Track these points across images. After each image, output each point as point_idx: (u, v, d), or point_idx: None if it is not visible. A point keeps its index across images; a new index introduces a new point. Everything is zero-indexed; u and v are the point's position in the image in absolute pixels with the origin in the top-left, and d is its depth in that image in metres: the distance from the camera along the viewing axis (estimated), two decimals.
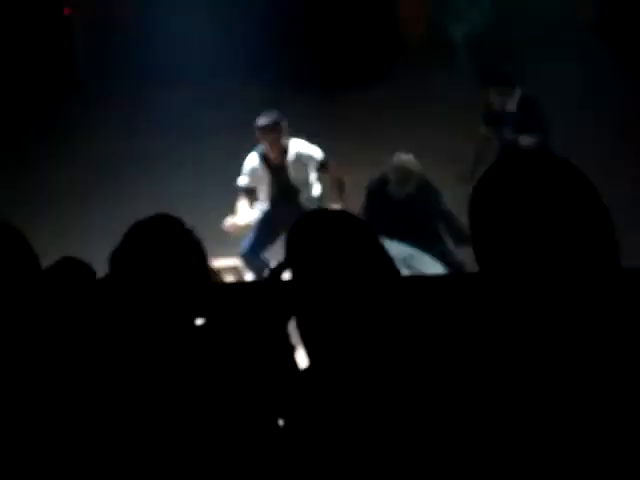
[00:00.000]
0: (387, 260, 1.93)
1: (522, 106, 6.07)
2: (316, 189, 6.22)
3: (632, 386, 1.43)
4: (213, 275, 4.08)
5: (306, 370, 1.92)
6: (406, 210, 5.56)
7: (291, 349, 2.08)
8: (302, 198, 6.13)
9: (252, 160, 6.15)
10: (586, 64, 7.72)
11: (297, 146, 6.09)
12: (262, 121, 5.92)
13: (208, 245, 2.21)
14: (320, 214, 2.07)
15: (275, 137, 5.94)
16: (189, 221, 2.22)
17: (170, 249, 2.12)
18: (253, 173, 6.16)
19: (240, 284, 2.71)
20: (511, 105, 6.10)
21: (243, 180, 6.19)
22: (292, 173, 6.09)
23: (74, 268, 2.31)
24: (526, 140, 5.92)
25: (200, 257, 2.17)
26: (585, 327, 1.47)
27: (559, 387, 1.46)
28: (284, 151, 6.07)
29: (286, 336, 2.08)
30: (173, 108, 8.76)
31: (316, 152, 6.13)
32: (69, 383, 2.08)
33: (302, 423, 1.84)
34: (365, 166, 6.35)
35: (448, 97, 8.09)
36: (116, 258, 2.14)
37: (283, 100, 6.95)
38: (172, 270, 2.10)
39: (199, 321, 2.20)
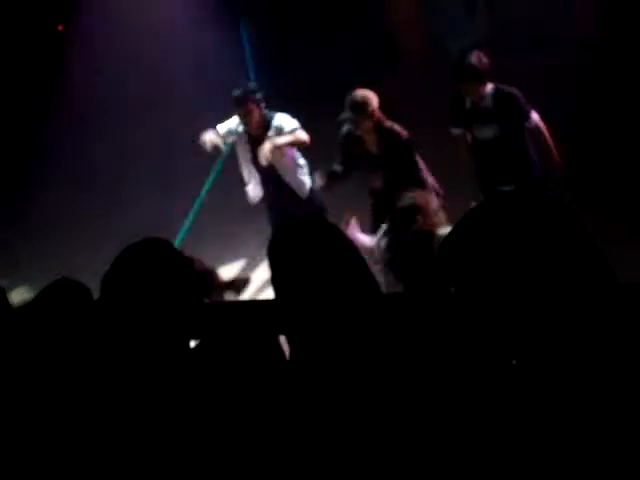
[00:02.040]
0: (364, 268, 1.97)
1: (498, 99, 5.62)
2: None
3: (622, 407, 1.44)
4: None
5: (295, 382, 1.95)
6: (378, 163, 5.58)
7: (285, 365, 2.09)
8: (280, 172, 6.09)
9: (235, 121, 6.12)
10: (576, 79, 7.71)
11: (280, 120, 6.00)
12: (234, 93, 5.90)
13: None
14: (297, 226, 2.09)
15: (246, 110, 5.89)
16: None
17: (161, 271, 2.14)
18: (230, 131, 6.13)
19: (232, 303, 2.73)
20: (485, 100, 5.63)
21: (221, 128, 6.14)
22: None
23: (70, 289, 2.33)
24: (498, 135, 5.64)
25: (192, 279, 2.20)
26: (577, 344, 1.47)
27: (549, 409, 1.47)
28: (265, 124, 5.99)
29: (280, 352, 2.10)
30: (163, 127, 8.76)
31: (294, 124, 5.99)
32: (65, 403, 2.09)
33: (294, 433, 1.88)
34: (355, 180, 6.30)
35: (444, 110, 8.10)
36: (108, 281, 2.16)
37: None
38: (164, 292, 2.12)
39: (193, 343, 2.21)
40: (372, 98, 5.54)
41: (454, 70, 5.76)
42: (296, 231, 2.05)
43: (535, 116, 5.64)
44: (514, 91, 5.65)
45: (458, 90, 5.75)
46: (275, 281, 2.02)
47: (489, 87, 5.64)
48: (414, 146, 5.65)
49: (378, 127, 5.59)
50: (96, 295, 2.25)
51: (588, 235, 1.53)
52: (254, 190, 6.28)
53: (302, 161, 6.20)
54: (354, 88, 5.60)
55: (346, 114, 5.57)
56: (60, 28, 10.05)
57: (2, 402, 2.10)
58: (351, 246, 2.03)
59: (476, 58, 5.55)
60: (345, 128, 5.78)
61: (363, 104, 5.49)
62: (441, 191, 5.65)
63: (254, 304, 2.19)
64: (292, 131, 5.96)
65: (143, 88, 8.94)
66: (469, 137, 5.89)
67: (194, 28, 8.69)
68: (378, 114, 5.56)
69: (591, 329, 1.47)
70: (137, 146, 8.62)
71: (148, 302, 2.10)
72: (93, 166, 8.60)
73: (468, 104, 5.76)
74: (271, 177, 6.12)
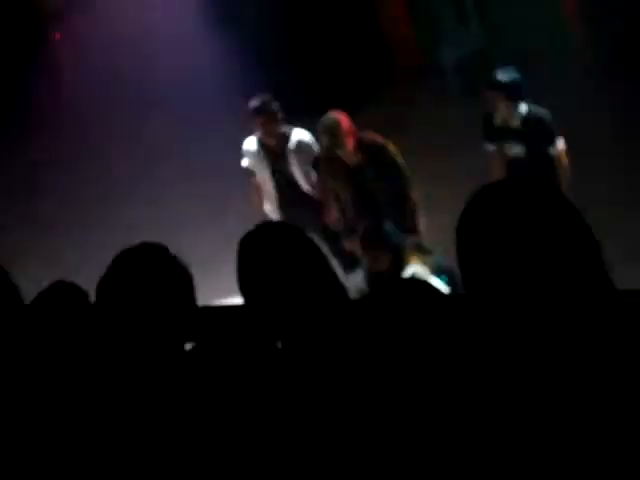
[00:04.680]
0: (332, 276, 2.02)
1: (528, 121, 5.56)
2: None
3: (620, 407, 1.44)
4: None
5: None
6: (358, 176, 5.51)
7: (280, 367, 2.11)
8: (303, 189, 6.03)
9: (249, 143, 6.08)
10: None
11: (299, 135, 5.95)
12: (250, 104, 5.84)
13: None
14: (264, 233, 2.13)
15: (264, 120, 5.83)
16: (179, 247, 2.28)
17: (156, 276, 2.16)
18: (250, 155, 6.08)
19: (226, 307, 2.75)
20: (515, 119, 5.59)
21: (244, 162, 6.14)
22: (293, 163, 5.96)
23: (67, 292, 2.35)
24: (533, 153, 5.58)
25: (186, 282, 2.21)
26: (575, 349, 1.48)
27: (545, 408, 1.47)
28: (283, 138, 5.94)
29: (276, 355, 2.12)
30: (152, 132, 8.79)
31: (315, 145, 5.95)
32: (61, 406, 2.12)
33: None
34: None
35: (438, 121, 8.12)
36: (103, 286, 2.17)
37: None
38: (159, 296, 2.14)
39: (188, 346, 2.23)
40: (343, 118, 5.49)
41: (457, 82, 5.72)
42: (263, 237, 2.10)
43: (561, 144, 5.61)
44: (545, 114, 5.61)
45: (488, 106, 5.73)
46: (242, 287, 2.07)
47: (522, 106, 5.60)
48: (399, 156, 5.63)
49: (359, 141, 5.55)
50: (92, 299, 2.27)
51: (587, 227, 1.54)
52: (272, 209, 6.22)
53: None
54: (332, 109, 5.58)
55: (323, 142, 5.56)
56: (57, 37, 10.08)
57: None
58: (318, 252, 2.08)
59: (509, 75, 5.52)
60: (321, 153, 5.77)
61: (336, 125, 5.44)
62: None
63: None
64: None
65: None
66: (501, 153, 5.80)
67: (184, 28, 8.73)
68: (353, 131, 5.52)
69: (586, 324, 1.49)
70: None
71: (143, 306, 2.12)
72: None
73: (498, 121, 5.71)
74: (293, 190, 6.09)
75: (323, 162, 5.78)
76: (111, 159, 8.75)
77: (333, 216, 5.88)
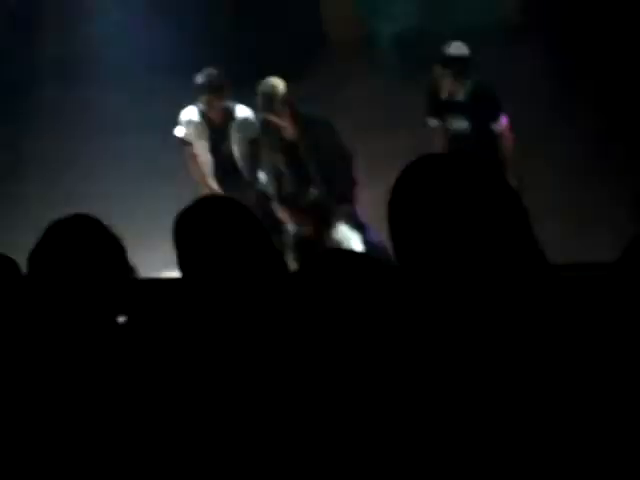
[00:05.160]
0: (274, 252, 2.03)
1: (475, 94, 5.56)
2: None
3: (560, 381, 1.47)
4: None
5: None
6: (294, 148, 5.47)
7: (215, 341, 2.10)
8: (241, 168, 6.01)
9: (190, 113, 5.99)
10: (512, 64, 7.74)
11: (243, 112, 5.89)
12: (198, 79, 5.74)
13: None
14: (204, 206, 2.12)
15: (210, 95, 5.74)
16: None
17: (89, 247, 2.14)
18: (189, 126, 6.00)
19: (160, 280, 2.74)
20: (462, 94, 5.58)
21: (179, 131, 6.05)
22: (235, 140, 5.94)
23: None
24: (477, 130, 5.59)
25: (119, 254, 2.20)
26: (508, 322, 1.49)
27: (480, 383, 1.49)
28: (226, 113, 5.89)
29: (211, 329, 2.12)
30: (94, 107, 8.63)
31: (257, 123, 5.86)
32: None
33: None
34: None
35: (373, 97, 8.14)
36: (34, 258, 2.15)
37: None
38: (91, 268, 2.12)
39: (121, 318, 2.22)
40: (280, 85, 5.43)
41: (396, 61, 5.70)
42: (202, 210, 2.09)
43: (504, 121, 5.64)
44: (492, 89, 5.63)
45: (433, 80, 5.71)
46: (180, 261, 2.07)
47: (469, 80, 5.60)
48: (335, 130, 5.61)
49: (295, 114, 5.50)
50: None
51: (516, 197, 1.56)
52: (211, 180, 6.18)
53: None
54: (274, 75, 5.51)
55: (259, 107, 5.50)
56: None
57: None
58: (258, 224, 2.08)
59: (456, 49, 5.52)
60: (258, 123, 5.72)
61: (273, 92, 5.39)
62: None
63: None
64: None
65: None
66: (444, 129, 5.80)
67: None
68: (291, 100, 5.47)
69: (517, 297, 1.50)
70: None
71: (76, 278, 2.10)
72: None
73: (444, 95, 5.70)
74: (230, 169, 6.04)
75: (260, 132, 5.75)
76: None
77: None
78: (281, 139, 5.61)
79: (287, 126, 5.50)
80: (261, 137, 5.78)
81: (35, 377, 2.07)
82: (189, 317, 2.11)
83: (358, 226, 5.60)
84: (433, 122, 5.89)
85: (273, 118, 5.47)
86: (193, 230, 2.07)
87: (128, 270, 2.22)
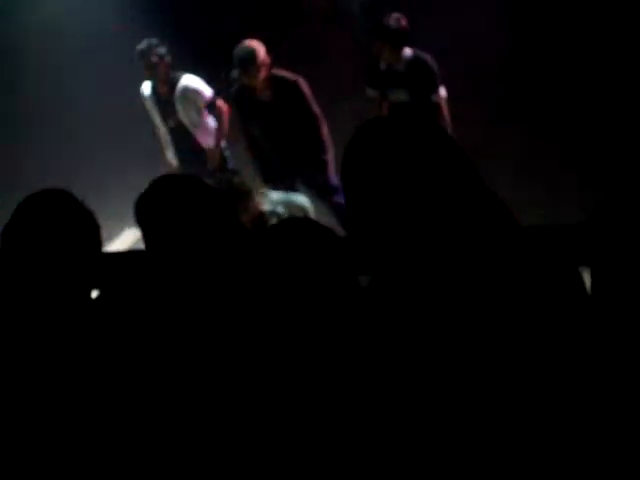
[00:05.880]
0: (235, 222, 2.05)
1: (412, 65, 5.63)
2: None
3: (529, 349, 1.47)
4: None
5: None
6: (268, 111, 5.50)
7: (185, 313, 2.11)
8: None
9: (145, 87, 6.08)
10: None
11: (186, 81, 5.92)
12: (136, 49, 5.81)
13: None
14: (160, 186, 2.13)
15: (150, 63, 5.80)
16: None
17: (60, 221, 2.14)
18: (145, 100, 6.09)
19: (132, 253, 2.73)
20: (400, 64, 5.66)
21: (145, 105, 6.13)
22: (180, 110, 5.96)
23: None
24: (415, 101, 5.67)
25: (92, 229, 2.20)
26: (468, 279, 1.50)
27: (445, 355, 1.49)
28: (172, 84, 5.92)
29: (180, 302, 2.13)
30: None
31: (206, 89, 5.94)
32: None
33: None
34: None
35: (342, 63, 8.08)
36: (7, 232, 2.14)
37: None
38: (63, 242, 2.12)
39: (94, 293, 2.23)
40: (259, 48, 5.42)
41: (366, 29, 5.70)
42: (164, 188, 2.10)
43: (442, 92, 5.68)
44: (430, 60, 5.65)
45: (373, 52, 5.74)
46: (145, 239, 2.08)
47: (407, 51, 5.65)
48: (310, 94, 5.61)
49: (270, 77, 5.50)
50: None
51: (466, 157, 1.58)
52: (170, 153, 6.24)
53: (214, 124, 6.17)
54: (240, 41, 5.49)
55: (235, 70, 5.48)
56: None
57: None
58: (222, 201, 2.09)
59: (395, 21, 5.54)
60: (235, 86, 5.70)
61: (251, 56, 5.39)
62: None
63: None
64: (213, 103, 5.94)
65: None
66: (383, 99, 5.87)
67: None
68: (268, 63, 5.47)
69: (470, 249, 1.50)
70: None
71: (48, 253, 2.10)
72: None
73: (383, 66, 5.77)
74: (184, 138, 6.08)
75: (234, 95, 5.74)
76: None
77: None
78: (256, 102, 5.60)
79: (263, 89, 5.50)
80: (234, 101, 5.78)
81: (8, 353, 2.07)
82: (156, 292, 2.12)
83: (330, 190, 5.61)
84: (372, 93, 5.95)
85: (250, 81, 5.46)
86: (151, 211, 2.08)
87: (100, 244, 2.22)
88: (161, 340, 2.01)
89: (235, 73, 5.49)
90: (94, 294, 2.22)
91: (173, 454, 1.93)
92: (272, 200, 4.40)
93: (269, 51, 5.49)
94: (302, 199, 4.58)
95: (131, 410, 1.99)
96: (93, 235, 2.21)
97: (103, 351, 2.05)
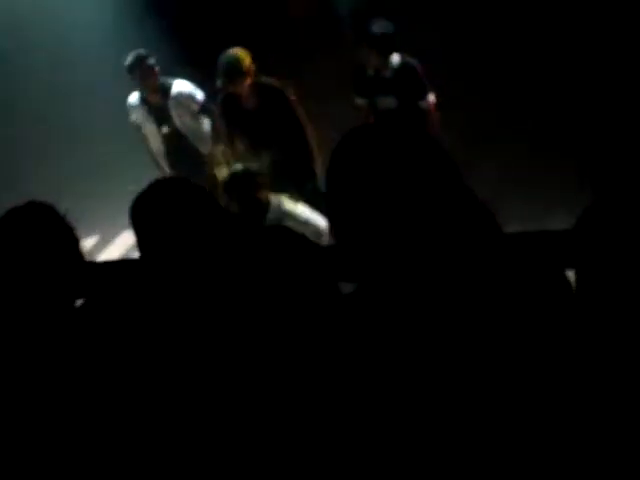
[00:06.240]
0: (229, 228, 2.05)
1: (400, 71, 5.56)
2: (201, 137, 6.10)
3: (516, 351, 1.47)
4: None
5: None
6: (253, 119, 5.48)
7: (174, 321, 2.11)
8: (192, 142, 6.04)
9: (132, 97, 6.05)
10: None
11: (178, 87, 5.93)
12: (125, 61, 5.81)
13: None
14: (156, 190, 2.13)
15: (141, 75, 5.80)
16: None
17: (44, 235, 2.13)
18: (134, 110, 6.06)
19: (116, 262, 2.73)
20: (388, 71, 5.58)
21: (131, 117, 6.10)
22: (175, 116, 5.96)
23: None
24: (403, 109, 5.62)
25: (71, 241, 2.20)
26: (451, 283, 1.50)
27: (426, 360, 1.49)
28: (163, 91, 5.92)
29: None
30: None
31: (198, 94, 5.95)
32: None
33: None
34: None
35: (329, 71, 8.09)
36: None
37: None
38: (47, 254, 2.12)
39: (79, 302, 2.22)
40: (244, 56, 5.41)
41: (352, 36, 5.69)
42: (160, 193, 2.10)
43: (431, 98, 5.64)
44: (417, 66, 5.60)
45: (361, 58, 5.67)
46: (139, 245, 2.07)
47: (395, 57, 5.59)
48: (296, 100, 5.59)
49: (256, 84, 5.48)
50: None
51: (453, 164, 1.57)
52: (163, 162, 6.22)
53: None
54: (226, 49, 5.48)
55: (220, 79, 5.45)
56: None
57: None
58: (217, 206, 2.09)
59: (382, 27, 5.49)
60: (220, 95, 5.69)
61: (236, 64, 5.37)
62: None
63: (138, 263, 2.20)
64: (208, 107, 5.93)
65: None
66: (371, 107, 5.80)
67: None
68: (253, 70, 5.44)
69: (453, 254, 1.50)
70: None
71: (31, 264, 2.10)
72: None
73: (371, 72, 5.69)
74: (179, 144, 6.07)
75: (220, 103, 5.73)
76: None
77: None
78: (242, 110, 5.60)
79: (249, 96, 5.49)
80: (219, 108, 5.77)
81: None
82: (149, 298, 2.11)
83: (319, 197, 5.59)
84: (360, 101, 5.88)
85: (235, 89, 5.44)
86: (147, 214, 2.07)
87: (80, 256, 2.21)
88: (150, 342, 2.02)
89: (220, 82, 5.48)
90: (78, 303, 2.21)
91: (161, 460, 1.94)
92: (295, 212, 4.41)
93: (254, 58, 5.47)
94: (322, 223, 4.57)
95: (118, 418, 1.99)
96: (71, 249, 2.20)
97: (90, 356, 2.05)
